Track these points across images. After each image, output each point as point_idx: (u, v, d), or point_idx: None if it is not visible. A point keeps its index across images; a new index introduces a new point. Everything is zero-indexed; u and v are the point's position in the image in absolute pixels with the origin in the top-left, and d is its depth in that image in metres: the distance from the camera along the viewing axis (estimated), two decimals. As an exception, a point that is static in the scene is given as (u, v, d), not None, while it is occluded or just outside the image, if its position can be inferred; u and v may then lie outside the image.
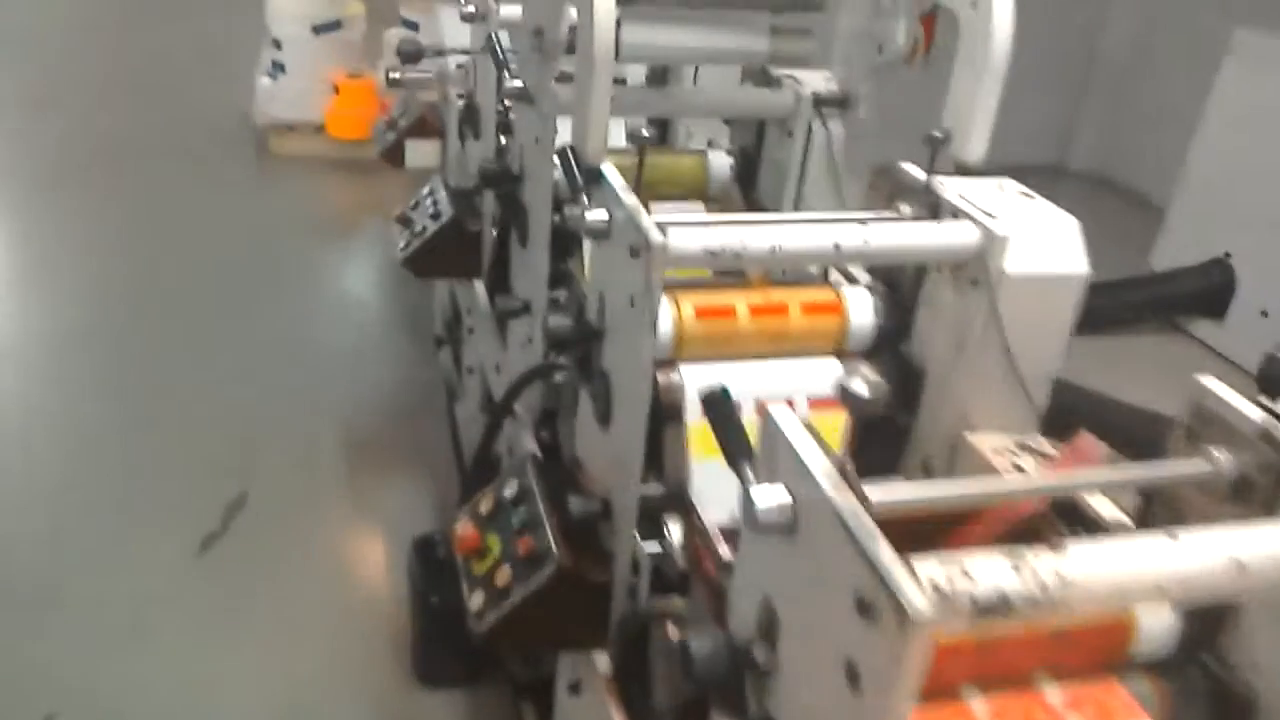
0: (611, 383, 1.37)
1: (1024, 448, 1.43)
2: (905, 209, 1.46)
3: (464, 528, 1.48)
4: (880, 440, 1.55)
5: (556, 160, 1.42)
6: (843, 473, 0.83)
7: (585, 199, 1.38)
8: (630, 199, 1.28)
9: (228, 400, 2.96)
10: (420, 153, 2.87)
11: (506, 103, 1.97)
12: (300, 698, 2.08)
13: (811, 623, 0.85)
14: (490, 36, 1.92)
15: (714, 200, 2.00)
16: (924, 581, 0.74)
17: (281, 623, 2.26)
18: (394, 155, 2.89)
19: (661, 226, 1.22)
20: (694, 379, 1.43)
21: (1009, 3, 1.43)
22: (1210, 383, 1.07)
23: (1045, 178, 1.52)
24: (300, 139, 4.69)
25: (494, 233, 2.23)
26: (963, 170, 1.53)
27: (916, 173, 1.46)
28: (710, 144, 2.04)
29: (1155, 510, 1.14)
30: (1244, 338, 3.74)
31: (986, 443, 1.43)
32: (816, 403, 1.45)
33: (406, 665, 2.16)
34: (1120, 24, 5.17)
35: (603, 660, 1.45)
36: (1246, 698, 1.02)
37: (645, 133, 1.46)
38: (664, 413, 1.40)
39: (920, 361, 1.48)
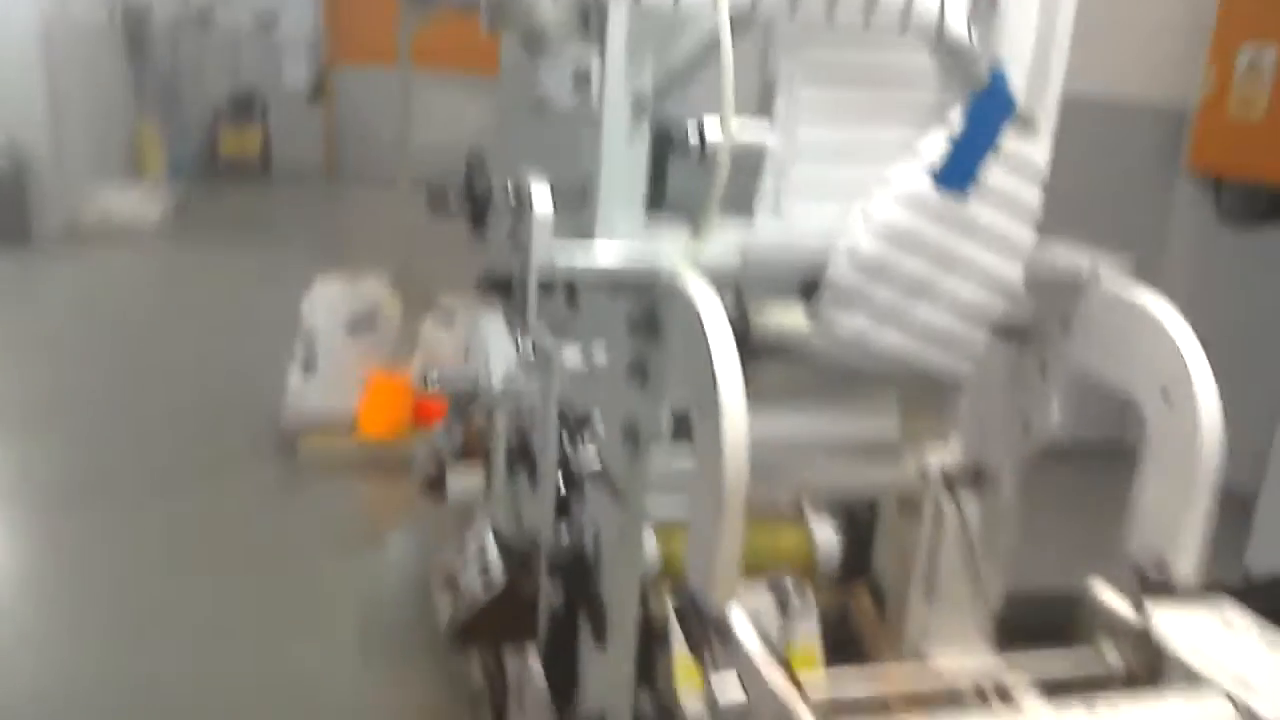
0: None
1: None
2: (1110, 653, 1.14)
3: None
4: None
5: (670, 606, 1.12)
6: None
7: (710, 662, 1.07)
8: (781, 687, 0.96)
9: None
10: (464, 484, 2.60)
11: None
12: None
13: None
14: (557, 400, 1.67)
15: (822, 578, 1.69)
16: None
17: None
18: (433, 486, 2.63)
19: (824, 714, 0.90)
20: None
21: (1214, 401, 1.16)
22: (1100, 591, 1.19)
23: (1106, 458, 1.25)
24: (330, 439, 4.47)
25: (558, 602, 1.92)
26: (1161, 587, 1.21)
27: (1121, 607, 1.15)
28: (811, 507, 1.75)
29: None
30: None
31: None
32: None
33: None
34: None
35: None
36: None
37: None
38: None
39: None
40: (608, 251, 1.24)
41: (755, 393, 1.31)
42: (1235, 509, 4.04)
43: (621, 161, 1.23)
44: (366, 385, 4.46)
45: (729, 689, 1.01)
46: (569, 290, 1.20)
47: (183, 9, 10.60)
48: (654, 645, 1.54)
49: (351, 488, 4.23)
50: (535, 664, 2.00)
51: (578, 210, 1.24)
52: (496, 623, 1.97)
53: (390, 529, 3.99)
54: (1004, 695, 1.14)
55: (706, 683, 1.01)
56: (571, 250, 1.21)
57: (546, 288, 1.18)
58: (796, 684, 0.96)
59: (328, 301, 4.54)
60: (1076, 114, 1.55)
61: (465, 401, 2.33)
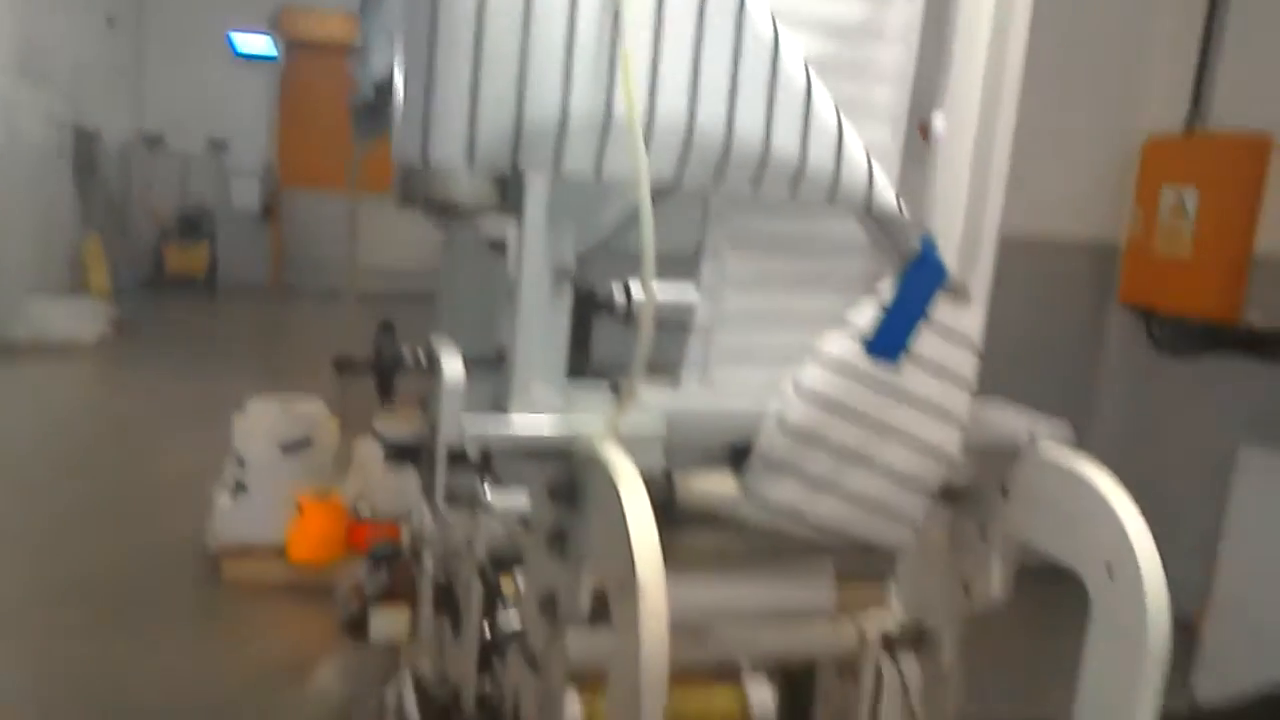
0: None
1: None
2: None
3: None
4: None
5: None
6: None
7: None
8: None
9: None
10: (388, 625, 2.48)
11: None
12: None
13: None
14: (478, 552, 1.60)
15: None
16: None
17: None
18: (355, 628, 2.50)
19: None
20: None
21: (1159, 576, 1.12)
22: None
23: (1065, 586, 1.20)
24: (257, 563, 4.30)
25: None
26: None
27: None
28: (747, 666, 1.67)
29: None
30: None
31: None
32: None
33: None
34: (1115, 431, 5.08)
35: None
36: None
37: None
38: None
39: None
40: (522, 421, 1.19)
41: (683, 560, 1.25)
42: (1179, 636, 4.04)
43: (541, 329, 1.19)
44: (298, 508, 4.32)
45: None
46: (484, 459, 1.15)
47: (133, 133, 10.68)
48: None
49: (277, 615, 4.05)
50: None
51: (496, 377, 1.19)
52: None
53: (315, 663, 3.80)
54: None
55: None
56: (483, 419, 1.15)
57: (458, 457, 1.12)
58: None
59: (261, 423, 4.43)
60: (1012, 251, 1.55)
61: (390, 545, 2.25)
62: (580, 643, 1.26)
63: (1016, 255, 2.23)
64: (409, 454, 1.18)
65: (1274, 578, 3.65)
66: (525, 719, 1.48)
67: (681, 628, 1.53)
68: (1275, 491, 3.69)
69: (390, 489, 4.04)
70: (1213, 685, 3.75)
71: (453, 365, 1.13)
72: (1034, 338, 4.40)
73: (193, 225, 10.83)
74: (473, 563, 1.60)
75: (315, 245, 10.74)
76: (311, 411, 4.61)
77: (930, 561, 1.44)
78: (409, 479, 2.40)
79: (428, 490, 1.14)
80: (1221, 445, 3.88)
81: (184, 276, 10.76)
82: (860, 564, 1.45)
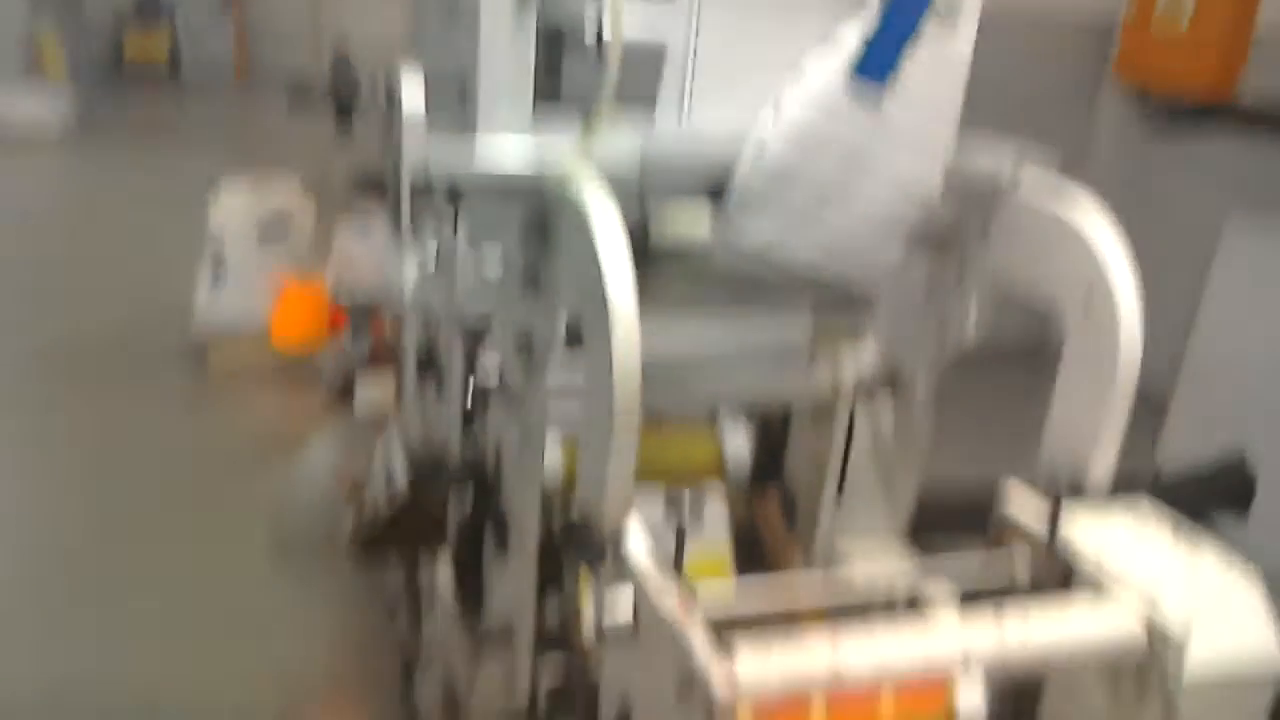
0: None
1: None
2: (1021, 560, 1.12)
3: None
4: None
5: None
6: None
7: (599, 584, 1.02)
8: (670, 605, 0.92)
9: (146, 665, 2.50)
10: (373, 392, 2.51)
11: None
12: None
13: (653, 711, 0.95)
14: (457, 308, 1.58)
15: (732, 484, 1.64)
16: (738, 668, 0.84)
17: None
18: (342, 396, 2.53)
19: (720, 629, 0.86)
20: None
21: (1136, 307, 1.12)
22: (1014, 490, 1.17)
23: (1036, 360, 1.23)
24: (243, 350, 4.32)
25: (465, 514, 1.86)
26: (1074, 492, 1.19)
27: (1033, 513, 1.12)
28: (724, 413, 1.69)
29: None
30: (1268, 537, 3.43)
31: None
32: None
33: None
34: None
35: None
36: None
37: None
38: None
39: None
40: (489, 148, 1.14)
41: (658, 300, 1.24)
42: (1149, 409, 4.14)
43: (504, 53, 1.13)
44: (278, 294, 4.30)
45: (620, 607, 0.96)
46: (451, 193, 1.11)
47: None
48: (559, 557, 1.49)
49: (264, 398, 4.11)
50: (445, 575, 1.95)
51: (459, 106, 1.14)
52: (399, 535, 1.91)
53: (303, 436, 3.87)
54: (912, 603, 1.12)
55: (595, 601, 0.96)
56: (448, 148, 1.11)
57: (423, 191, 1.08)
58: (690, 601, 0.91)
59: (236, 208, 4.35)
60: (1006, 27, 1.48)
61: (370, 311, 2.23)
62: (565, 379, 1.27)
63: (1010, 32, 2.13)
64: (376, 188, 1.14)
65: (1246, 350, 3.72)
66: (506, 467, 1.51)
67: (655, 370, 1.55)
68: (1257, 261, 3.71)
69: (370, 269, 4.00)
70: (1178, 456, 3.88)
71: (414, 90, 1.08)
72: (1025, 117, 4.31)
73: (150, 8, 10.30)
74: (454, 311, 1.59)
75: (281, 31, 10.24)
76: (287, 193, 4.51)
77: (906, 306, 1.44)
78: (389, 259, 2.37)
79: (394, 222, 1.11)
80: (1209, 227, 3.88)
81: (144, 65, 10.32)
82: (837, 308, 1.45)
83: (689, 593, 0.93)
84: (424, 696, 2.23)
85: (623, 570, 0.99)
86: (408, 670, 2.42)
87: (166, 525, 3.17)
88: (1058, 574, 1.08)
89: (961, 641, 0.93)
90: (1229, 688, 0.98)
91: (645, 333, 1.09)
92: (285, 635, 2.71)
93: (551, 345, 1.19)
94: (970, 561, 1.15)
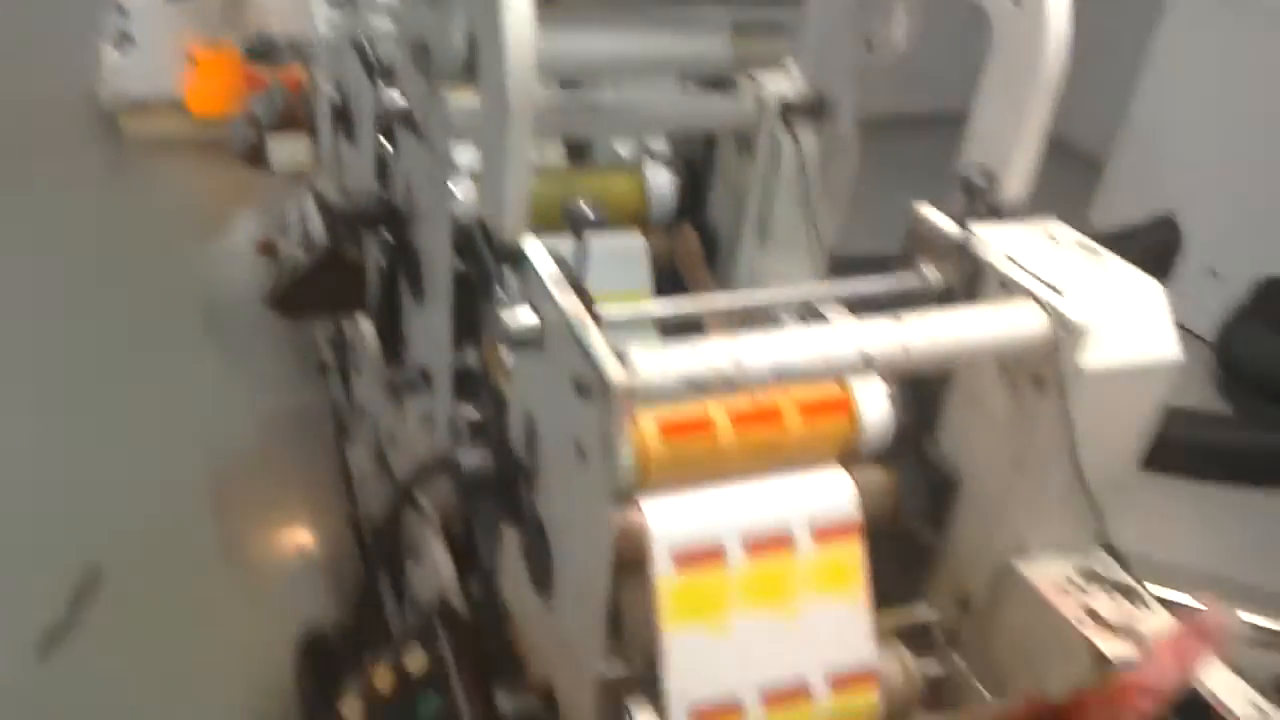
0: (550, 539, 0.99)
1: (1091, 577, 1.10)
2: (930, 272, 1.10)
3: (358, 731, 1.09)
4: (902, 563, 1.20)
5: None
6: (578, 293, 0.91)
7: (501, 292, 0.99)
8: (571, 302, 0.89)
9: (69, 445, 2.48)
10: (287, 151, 2.41)
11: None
12: None
13: (555, 421, 0.96)
14: (358, 37, 1.48)
15: (656, 225, 1.61)
16: (635, 361, 0.84)
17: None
18: (255, 157, 2.43)
19: (618, 349, 0.84)
20: (662, 518, 1.06)
21: (1065, 2, 1.06)
22: (924, 209, 1.14)
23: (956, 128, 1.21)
24: (156, 118, 4.12)
25: (381, 264, 1.82)
26: (994, 211, 1.17)
27: (945, 224, 1.10)
28: (648, 154, 1.64)
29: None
30: (1193, 299, 3.52)
31: (1043, 573, 1.10)
32: (824, 532, 1.10)
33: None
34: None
35: None
36: (951, 476, 1.13)
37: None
38: (620, 564, 1.04)
39: (954, 468, 1.13)
40: None
41: (568, 10, 1.16)
42: (1086, 170, 4.14)
43: None
44: (190, 59, 4.07)
45: (523, 315, 0.94)
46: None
47: None
48: (475, 300, 1.47)
49: (182, 167, 3.96)
50: (368, 327, 1.93)
51: None
52: (319, 290, 1.87)
53: (228, 211, 3.76)
54: (818, 314, 1.11)
55: (498, 315, 0.94)
56: None
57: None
58: (590, 309, 0.89)
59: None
60: None
61: (283, 67, 2.10)
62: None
63: None
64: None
65: (1185, 115, 3.69)
66: (417, 204, 1.46)
67: (572, 96, 1.48)
68: (1201, 25, 3.63)
69: (282, 20, 3.76)
70: (1110, 215, 3.91)
71: None
72: None
73: None
74: (356, 41, 1.49)
75: None
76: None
77: (833, 22, 1.37)
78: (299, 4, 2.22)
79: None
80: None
81: None
82: (759, 29, 1.37)
83: (591, 300, 0.90)
84: (356, 454, 2.25)
85: (526, 279, 0.96)
86: (340, 429, 2.43)
87: (93, 299, 3.10)
88: (963, 282, 1.07)
89: (862, 340, 0.92)
90: (1126, 376, 0.99)
91: (551, 44, 1.02)
92: (219, 402, 2.70)
93: (449, 56, 1.11)
94: (875, 280, 1.14)
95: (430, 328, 1.46)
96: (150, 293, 3.15)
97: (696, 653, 1.04)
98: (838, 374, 0.98)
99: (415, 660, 1.13)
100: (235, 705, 1.91)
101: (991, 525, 1.09)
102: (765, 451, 1.09)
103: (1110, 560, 1.12)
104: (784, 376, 0.88)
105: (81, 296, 3.09)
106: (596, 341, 0.84)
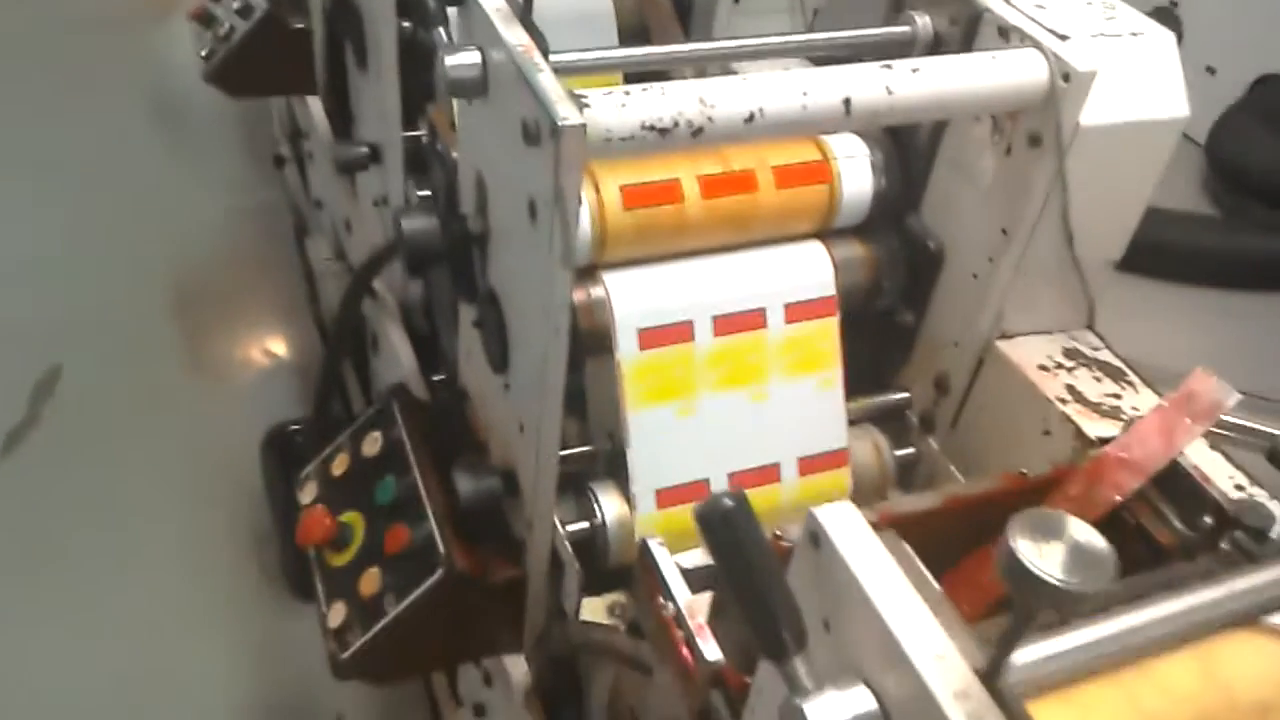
0: (505, 310, 0.92)
1: (1074, 356, 1.05)
2: (923, 21, 1.00)
3: (313, 514, 1.05)
4: (878, 345, 1.15)
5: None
6: (528, 30, 0.80)
7: (439, 28, 0.88)
8: (517, 34, 0.79)
9: (17, 245, 2.37)
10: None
11: None
12: (154, 626, 1.68)
13: (504, 178, 0.87)
14: None
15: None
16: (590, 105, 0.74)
17: (121, 536, 1.82)
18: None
19: (571, 91, 0.74)
20: (625, 291, 0.99)
21: None
22: None
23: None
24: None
25: (325, 36, 1.68)
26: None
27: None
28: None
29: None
30: (1189, 97, 3.39)
31: (1026, 353, 1.04)
32: (798, 309, 1.04)
33: (275, 574, 1.76)
34: None
35: (518, 669, 1.08)
36: (935, 251, 1.05)
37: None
38: (583, 343, 0.98)
39: (936, 241, 1.06)
40: None
41: None
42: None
43: None
44: None
45: (459, 60, 0.83)
46: None
47: None
48: (420, 60, 1.35)
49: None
50: (317, 108, 1.81)
51: None
52: (261, 62, 1.73)
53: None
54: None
55: (440, 59, 0.83)
56: None
57: None
58: (540, 48, 0.79)
59: None
60: None
61: None
62: None
63: None
64: None
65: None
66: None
67: None
68: None
69: None
70: None
71: None
72: None
73: None
74: None
75: None
76: None
77: None
78: None
79: None
80: None
81: None
82: None
83: (543, 38, 0.80)
84: (316, 248, 2.16)
85: (471, 17, 0.85)
86: (300, 224, 2.33)
87: (39, 104, 2.90)
88: (963, 31, 0.97)
89: (844, 85, 0.82)
90: (1131, 133, 0.91)
91: None
92: (177, 202, 2.57)
93: None
94: (864, 32, 1.03)
95: (376, 99, 1.35)
96: (95, 81, 2.95)
97: (662, 434, 0.99)
98: (818, 126, 0.89)
99: (371, 443, 1.08)
100: (203, 499, 1.89)
101: (974, 303, 1.03)
102: (737, 223, 1.01)
103: (1097, 340, 1.07)
104: (758, 127, 0.79)
105: (23, 99, 2.90)
106: (547, 81, 0.74)
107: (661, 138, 0.77)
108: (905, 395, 1.13)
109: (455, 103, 0.98)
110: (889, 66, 0.85)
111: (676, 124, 0.77)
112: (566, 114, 0.71)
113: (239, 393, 2.13)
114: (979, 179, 0.99)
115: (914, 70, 0.85)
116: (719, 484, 1.02)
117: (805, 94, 0.80)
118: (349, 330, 1.46)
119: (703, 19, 1.45)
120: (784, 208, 1.02)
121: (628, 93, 0.77)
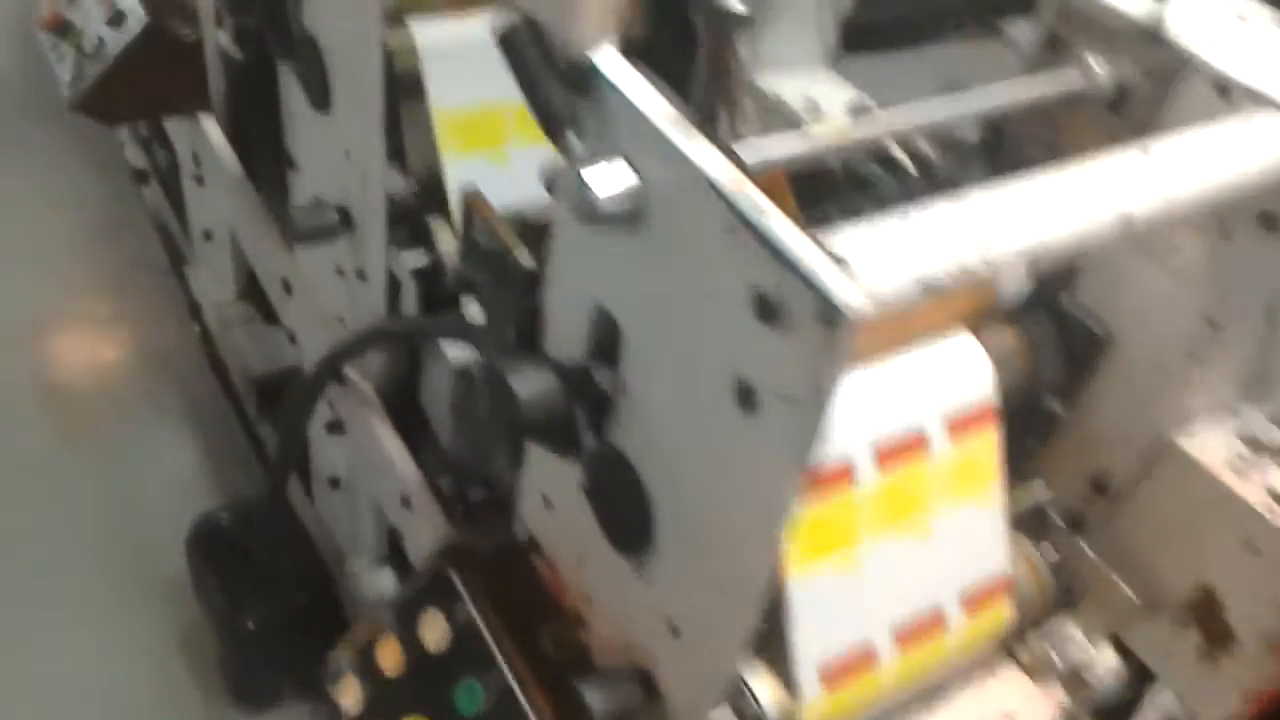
0: (652, 488, 0.70)
1: (1255, 445, 0.91)
2: (1101, 68, 0.81)
3: None
4: (1008, 432, 0.98)
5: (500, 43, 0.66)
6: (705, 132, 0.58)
7: (569, 134, 0.64)
8: (706, 155, 0.57)
9: None
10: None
11: None
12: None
13: (672, 332, 0.63)
14: None
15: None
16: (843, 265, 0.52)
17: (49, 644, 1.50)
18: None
19: (823, 243, 0.53)
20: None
21: None
22: None
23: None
24: None
25: (236, 49, 1.37)
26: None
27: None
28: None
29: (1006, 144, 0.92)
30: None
31: (1207, 447, 0.90)
32: (959, 423, 0.85)
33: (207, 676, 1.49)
34: None
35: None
36: (1101, 336, 0.90)
37: None
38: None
39: (1102, 327, 0.89)
40: None
41: None
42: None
43: None
44: None
45: (603, 180, 0.60)
46: None
47: None
48: (398, 104, 1.08)
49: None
50: (216, 134, 1.49)
51: None
52: (142, 84, 1.40)
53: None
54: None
55: (576, 173, 0.60)
56: None
57: None
58: (741, 166, 0.57)
59: None
60: None
61: None
62: None
63: None
64: None
65: None
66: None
67: None
68: None
69: None
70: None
71: None
72: None
73: None
74: None
75: None
76: None
77: None
78: None
79: None
80: None
81: None
82: None
83: (736, 154, 0.57)
84: (201, 280, 1.83)
85: (606, 114, 0.61)
86: (173, 251, 1.99)
87: None
88: (1156, 78, 0.79)
89: (1114, 190, 0.63)
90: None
91: None
92: (18, 221, 2.15)
93: None
94: (1024, 85, 0.83)
95: (347, 146, 1.07)
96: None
97: (823, 599, 0.80)
98: (1095, 244, 0.69)
99: (433, 628, 0.84)
100: (112, 587, 1.58)
101: (1153, 397, 0.87)
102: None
103: (1262, 418, 0.93)
104: (1034, 259, 0.59)
105: None
106: (788, 235, 0.53)
107: (933, 296, 0.56)
108: (1050, 496, 0.97)
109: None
110: (1146, 151, 0.66)
111: (953, 278, 0.56)
112: (846, 294, 0.50)
113: (124, 443, 1.79)
114: (1171, 259, 0.82)
115: (1177, 155, 0.66)
116: (884, 642, 0.84)
117: (1077, 215, 0.61)
118: (294, 452, 1.20)
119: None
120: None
121: (884, 236, 0.56)
